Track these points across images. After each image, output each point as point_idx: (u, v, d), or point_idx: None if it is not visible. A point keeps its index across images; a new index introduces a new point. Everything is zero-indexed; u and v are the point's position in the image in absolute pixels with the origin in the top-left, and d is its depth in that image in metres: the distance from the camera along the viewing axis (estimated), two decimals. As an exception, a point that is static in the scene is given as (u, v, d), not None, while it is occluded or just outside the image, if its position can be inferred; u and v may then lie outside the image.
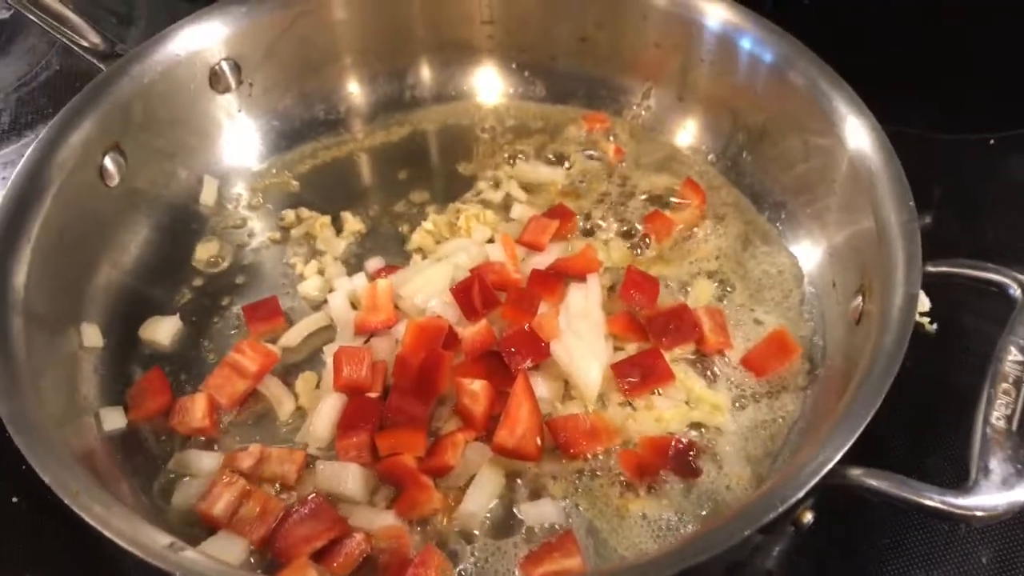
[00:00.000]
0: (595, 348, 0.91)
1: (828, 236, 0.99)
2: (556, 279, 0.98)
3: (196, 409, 0.91)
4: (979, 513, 0.65)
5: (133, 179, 1.03)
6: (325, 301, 1.01)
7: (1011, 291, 0.76)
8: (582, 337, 0.92)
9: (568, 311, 0.95)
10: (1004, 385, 0.70)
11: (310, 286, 1.03)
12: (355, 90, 1.20)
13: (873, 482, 0.68)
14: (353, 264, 1.05)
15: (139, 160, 1.03)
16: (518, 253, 1.02)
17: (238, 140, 1.14)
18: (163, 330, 0.99)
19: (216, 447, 0.90)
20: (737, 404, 0.91)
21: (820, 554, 0.85)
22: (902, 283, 0.79)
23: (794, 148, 1.02)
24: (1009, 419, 0.67)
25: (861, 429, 0.68)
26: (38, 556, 0.88)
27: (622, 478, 0.86)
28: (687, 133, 1.14)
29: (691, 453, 0.86)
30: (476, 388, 0.87)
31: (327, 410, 0.90)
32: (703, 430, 0.89)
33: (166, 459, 0.89)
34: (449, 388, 0.89)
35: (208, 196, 1.10)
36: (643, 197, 1.09)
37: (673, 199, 1.09)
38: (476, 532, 0.83)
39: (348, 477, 0.85)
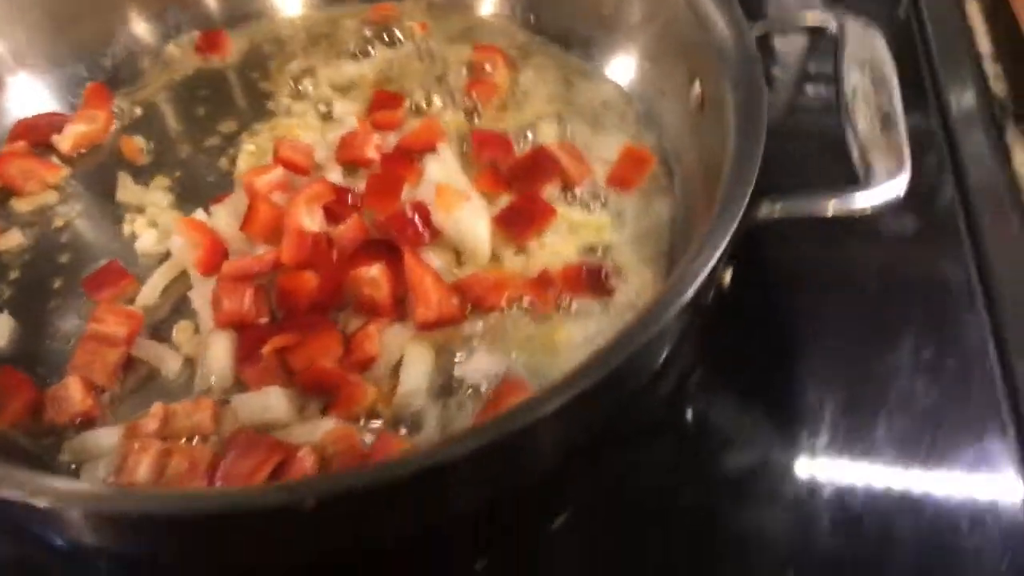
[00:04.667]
0: (474, 208, 0.90)
1: (641, 50, 1.03)
2: (407, 158, 0.95)
3: (72, 393, 0.80)
4: (875, 203, 0.71)
5: None
6: (167, 252, 0.93)
7: (831, 29, 0.84)
8: (456, 201, 0.91)
9: (430, 182, 0.93)
10: (856, 102, 0.77)
11: (147, 241, 0.94)
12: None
13: (778, 206, 0.73)
14: (187, 210, 0.96)
15: None
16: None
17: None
18: (-6, 332, 0.87)
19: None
20: (616, 220, 0.94)
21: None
22: (735, 50, 0.84)
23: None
24: (871, 123, 0.74)
25: (757, 165, 0.72)
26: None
27: (540, 315, 0.86)
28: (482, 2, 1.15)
29: (603, 272, 0.88)
30: (375, 273, 0.83)
31: (220, 348, 0.83)
32: (596, 253, 0.91)
33: (55, 455, 0.79)
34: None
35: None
36: (459, 70, 1.09)
37: (487, 66, 1.09)
38: (422, 407, 0.81)
39: (271, 400, 0.79)
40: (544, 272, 0.88)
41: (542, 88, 1.06)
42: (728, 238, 0.70)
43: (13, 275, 0.92)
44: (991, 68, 1.09)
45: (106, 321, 0.85)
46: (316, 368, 0.80)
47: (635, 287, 0.88)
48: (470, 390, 0.81)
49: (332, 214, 0.90)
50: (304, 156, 0.96)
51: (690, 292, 0.67)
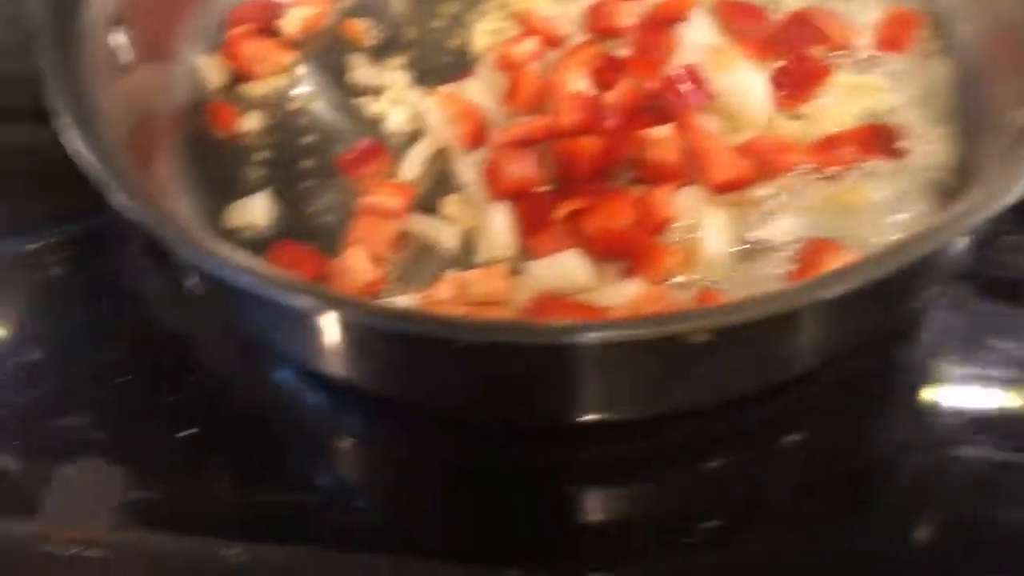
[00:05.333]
0: (749, 68, 0.85)
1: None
2: (664, 25, 0.90)
3: (357, 264, 0.77)
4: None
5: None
6: (417, 130, 0.89)
7: None
8: (727, 64, 0.86)
9: (694, 46, 0.88)
10: None
11: (397, 119, 0.90)
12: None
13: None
14: (429, 89, 0.91)
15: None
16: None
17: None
18: (254, 211, 0.83)
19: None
20: (893, 82, 0.88)
21: None
22: None
23: None
24: None
25: None
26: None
27: (832, 177, 0.81)
28: None
29: (892, 132, 0.83)
30: (665, 133, 0.79)
31: (500, 218, 0.79)
32: (877, 117, 0.86)
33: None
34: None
35: (211, 75, 0.94)
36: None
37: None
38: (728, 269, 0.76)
39: (572, 264, 0.75)
40: (832, 134, 0.83)
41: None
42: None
43: (262, 156, 0.89)
44: None
45: (380, 193, 0.82)
46: (614, 231, 0.76)
47: (926, 149, 0.83)
48: (775, 252, 0.77)
49: (600, 79, 0.85)
50: (551, 26, 0.92)
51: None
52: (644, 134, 0.79)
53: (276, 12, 0.99)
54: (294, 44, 0.98)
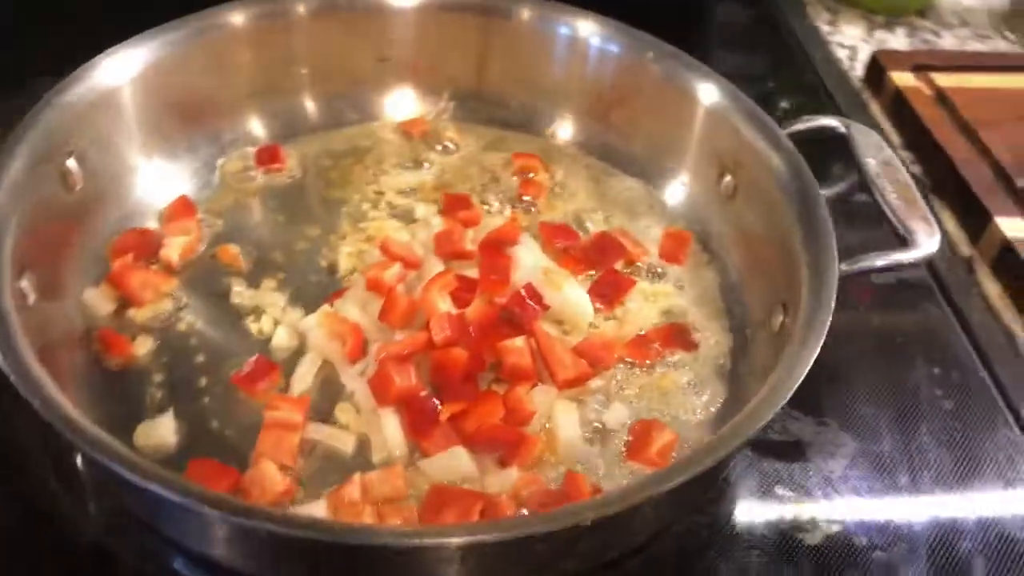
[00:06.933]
0: (574, 284, 1.07)
1: (664, 157, 1.25)
2: (499, 248, 1.11)
3: (268, 477, 0.88)
4: (923, 255, 0.96)
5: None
6: (298, 346, 1.02)
7: (839, 130, 1.10)
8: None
9: (526, 268, 1.08)
10: (880, 181, 1.02)
11: (281, 338, 1.02)
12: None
13: (857, 266, 0.95)
14: (304, 308, 1.06)
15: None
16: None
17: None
18: (160, 431, 0.92)
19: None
20: (678, 288, 1.13)
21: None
22: (774, 150, 1.08)
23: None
24: (899, 196, 1.00)
25: (833, 251, 0.94)
26: None
27: (645, 368, 1.04)
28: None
29: (686, 330, 1.07)
30: (520, 344, 0.98)
31: (391, 424, 0.94)
32: (673, 315, 1.10)
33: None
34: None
35: (99, 305, 1.03)
36: (507, 173, 1.26)
37: (530, 171, 1.27)
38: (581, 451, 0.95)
39: (459, 460, 0.91)
40: (641, 335, 1.06)
41: (577, 184, 1.26)
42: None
43: (158, 378, 0.98)
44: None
45: (281, 407, 0.93)
46: (490, 427, 0.93)
47: (710, 341, 1.08)
48: (614, 433, 0.97)
49: (458, 298, 1.03)
50: (409, 252, 1.10)
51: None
52: (503, 345, 0.98)
53: (155, 240, 1.10)
54: (174, 270, 1.09)
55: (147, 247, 1.09)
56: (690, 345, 1.06)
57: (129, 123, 1.12)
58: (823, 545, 0.91)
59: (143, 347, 1.00)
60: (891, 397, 1.06)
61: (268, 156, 1.23)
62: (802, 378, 0.83)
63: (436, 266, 1.09)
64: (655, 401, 1.01)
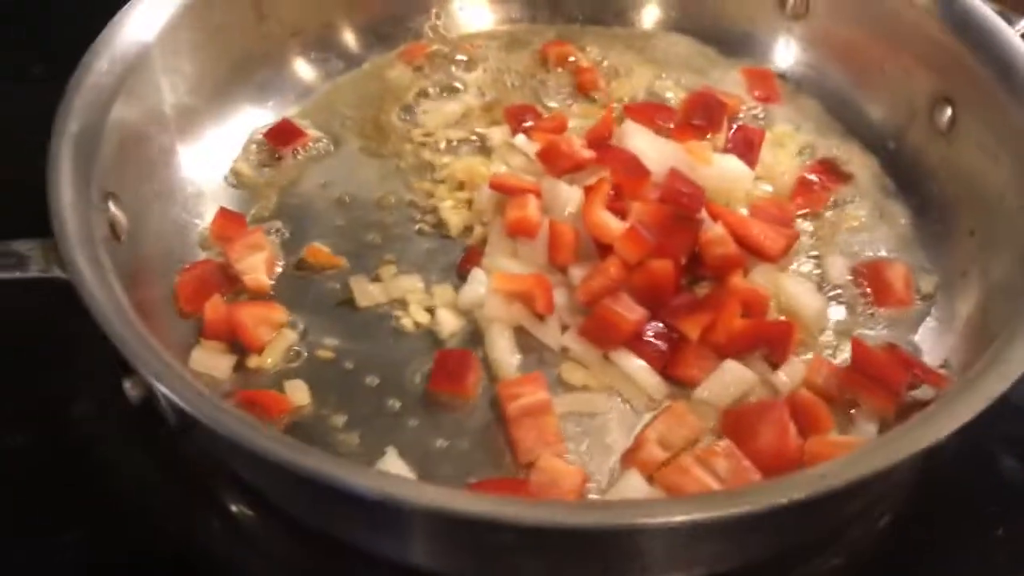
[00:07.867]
0: (717, 156, 0.96)
1: None
2: (607, 145, 0.95)
3: (557, 470, 0.74)
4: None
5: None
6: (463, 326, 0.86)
7: None
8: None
9: (649, 157, 0.93)
10: None
11: (447, 323, 0.86)
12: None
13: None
14: (443, 285, 0.89)
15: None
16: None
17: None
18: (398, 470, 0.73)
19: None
20: (793, 125, 1.05)
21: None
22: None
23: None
24: None
25: None
26: None
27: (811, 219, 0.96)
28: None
29: (834, 163, 1.00)
30: (721, 231, 0.86)
31: (638, 367, 0.81)
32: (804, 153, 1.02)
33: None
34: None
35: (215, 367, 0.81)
36: (555, 70, 1.11)
37: (570, 57, 1.12)
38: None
39: (734, 374, 0.81)
40: (796, 183, 0.98)
41: (620, 58, 1.12)
42: None
43: (339, 422, 0.79)
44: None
45: (521, 393, 0.79)
46: (743, 328, 0.82)
47: (856, 162, 1.00)
48: (842, 288, 0.90)
49: (614, 209, 0.88)
50: (525, 181, 0.93)
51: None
52: (707, 237, 0.86)
53: (224, 269, 0.88)
54: (269, 294, 0.87)
55: (222, 279, 0.87)
56: (846, 177, 0.99)
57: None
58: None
59: (299, 395, 0.80)
60: None
61: (286, 134, 1.01)
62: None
63: (557, 186, 0.93)
64: (846, 243, 0.93)
